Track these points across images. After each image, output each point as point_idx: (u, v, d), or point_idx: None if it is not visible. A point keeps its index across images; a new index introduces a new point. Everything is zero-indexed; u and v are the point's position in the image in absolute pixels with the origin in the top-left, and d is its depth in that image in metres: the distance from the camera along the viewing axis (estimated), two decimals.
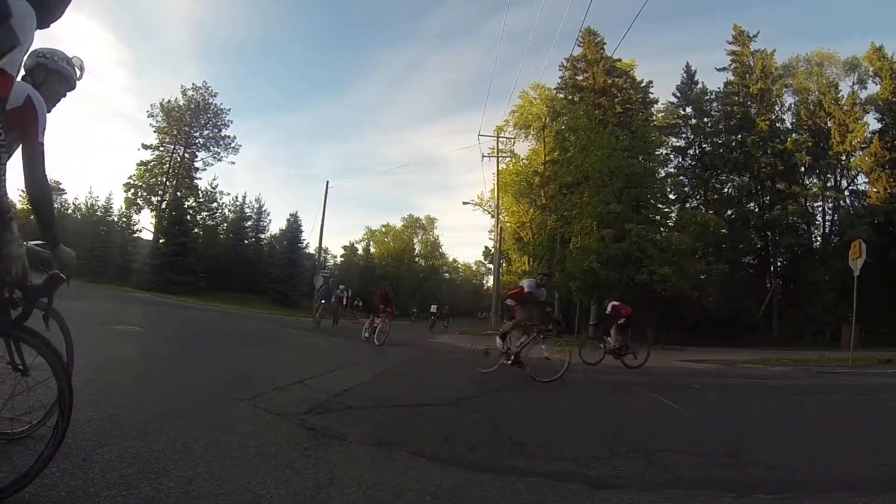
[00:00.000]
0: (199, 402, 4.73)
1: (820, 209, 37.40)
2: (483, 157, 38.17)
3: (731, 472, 3.79)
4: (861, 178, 35.81)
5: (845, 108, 35.42)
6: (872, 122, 34.93)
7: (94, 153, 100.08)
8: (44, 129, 2.49)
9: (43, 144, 2.48)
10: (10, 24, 1.93)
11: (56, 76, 2.80)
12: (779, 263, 37.69)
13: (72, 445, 3.04)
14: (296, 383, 6.17)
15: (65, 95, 2.92)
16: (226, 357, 8.62)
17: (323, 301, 21.12)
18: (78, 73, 2.93)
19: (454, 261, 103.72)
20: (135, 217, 55.07)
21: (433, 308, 42.59)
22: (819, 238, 37.40)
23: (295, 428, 4.18)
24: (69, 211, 64.52)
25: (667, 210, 32.50)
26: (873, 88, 35.41)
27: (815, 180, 36.95)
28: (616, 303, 13.75)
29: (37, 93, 2.52)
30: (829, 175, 36.75)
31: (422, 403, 5.86)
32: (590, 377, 10.42)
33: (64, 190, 66.95)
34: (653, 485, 3.34)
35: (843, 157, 35.58)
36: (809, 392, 9.55)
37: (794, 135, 36.80)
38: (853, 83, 36.87)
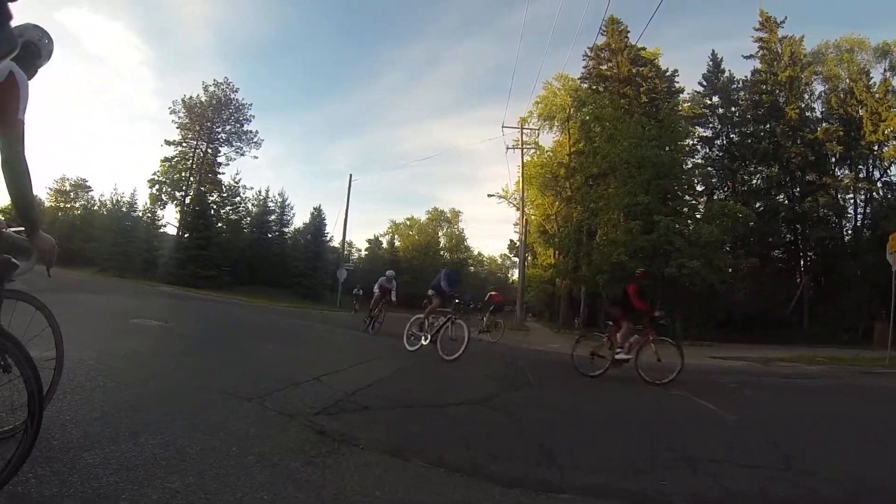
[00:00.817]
0: (205, 400, 4.37)
1: (851, 201, 36.20)
2: (507, 148, 37.72)
3: (786, 485, 3.36)
4: (894, 169, 34.61)
5: (877, 95, 34.02)
6: None
7: (119, 152, 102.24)
8: (25, 107, 2.27)
9: (23, 123, 2.26)
10: (10, 28, 1.72)
11: (30, 48, 2.56)
12: (809, 257, 36.57)
13: (56, 448, 2.79)
14: (311, 380, 5.76)
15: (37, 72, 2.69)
16: (241, 352, 8.29)
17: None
18: (47, 42, 2.69)
19: (479, 254, 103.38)
20: (159, 213, 55.81)
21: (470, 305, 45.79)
22: (850, 231, 36.21)
23: (304, 431, 3.79)
24: (95, 207, 65.76)
25: (693, 202, 31.75)
26: None
27: (847, 171, 35.72)
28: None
29: (19, 69, 2.29)
30: (860, 166, 35.51)
31: (442, 403, 5.43)
32: (618, 374, 9.98)
33: (90, 187, 68.32)
34: (704, 502, 2.94)
35: (876, 147, 34.19)
36: (854, 394, 9.04)
37: (824, 124, 35.57)
38: (885, 70, 35.38)
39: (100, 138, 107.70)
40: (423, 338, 10.34)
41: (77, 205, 68.72)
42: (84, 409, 3.63)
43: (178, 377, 5.30)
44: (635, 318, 8.78)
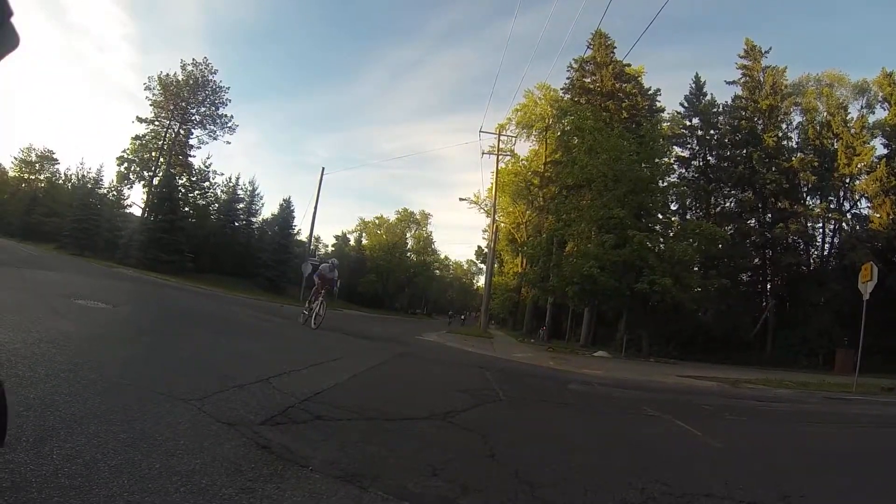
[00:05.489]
0: (134, 400, 3.74)
1: (820, 230, 36.88)
2: (483, 153, 37.55)
3: None
4: (864, 203, 35.43)
5: (853, 130, 34.90)
6: (879, 147, 34.49)
7: (90, 126, 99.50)
8: None
9: None
10: (11, 23, 1.34)
11: None
12: (775, 282, 37.03)
13: None
14: (258, 381, 5.13)
15: None
16: (186, 344, 7.60)
17: None
18: None
19: (445, 258, 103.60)
20: (125, 192, 54.37)
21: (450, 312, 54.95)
22: (817, 259, 36.85)
23: (244, 445, 3.17)
24: (60, 181, 63.81)
25: (666, 220, 31.88)
26: (881, 113, 35.26)
27: (818, 201, 36.33)
28: None
29: None
30: (831, 196, 36.20)
31: (405, 417, 4.85)
32: (591, 391, 9.63)
33: (57, 160, 66.28)
34: None
35: (848, 180, 35.12)
36: (829, 421, 8.84)
37: (799, 153, 36.27)
38: (862, 106, 36.72)
39: (72, 110, 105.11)
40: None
41: (42, 177, 66.71)
42: None
43: (109, 369, 4.65)
44: None
